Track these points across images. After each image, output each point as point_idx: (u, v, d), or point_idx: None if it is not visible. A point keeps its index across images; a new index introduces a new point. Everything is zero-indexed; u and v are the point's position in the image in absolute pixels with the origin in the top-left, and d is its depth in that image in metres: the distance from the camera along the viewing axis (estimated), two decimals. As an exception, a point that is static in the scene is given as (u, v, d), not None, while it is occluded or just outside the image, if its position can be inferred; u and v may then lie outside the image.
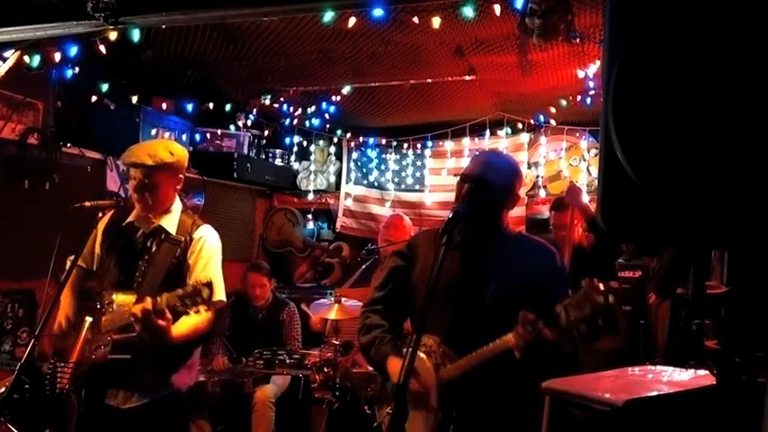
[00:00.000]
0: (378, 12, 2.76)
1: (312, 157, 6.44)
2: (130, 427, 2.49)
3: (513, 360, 1.96)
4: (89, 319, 2.47)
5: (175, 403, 2.56)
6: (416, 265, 2.33)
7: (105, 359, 2.41)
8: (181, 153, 2.63)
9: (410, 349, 1.83)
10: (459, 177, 2.26)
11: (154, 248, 2.57)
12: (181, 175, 2.65)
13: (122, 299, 2.44)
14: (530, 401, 2.22)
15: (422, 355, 2.15)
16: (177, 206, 2.68)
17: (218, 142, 5.51)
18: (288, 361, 4.21)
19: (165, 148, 2.60)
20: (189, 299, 2.29)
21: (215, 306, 2.50)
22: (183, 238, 2.58)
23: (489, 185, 2.18)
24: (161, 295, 2.31)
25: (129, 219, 2.64)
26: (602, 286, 1.80)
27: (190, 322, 2.43)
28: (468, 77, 4.46)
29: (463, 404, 2.10)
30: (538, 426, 2.11)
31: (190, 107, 5.08)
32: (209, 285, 2.30)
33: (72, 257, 2.64)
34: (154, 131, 4.83)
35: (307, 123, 6.03)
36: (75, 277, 2.63)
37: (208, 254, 2.60)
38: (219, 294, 2.52)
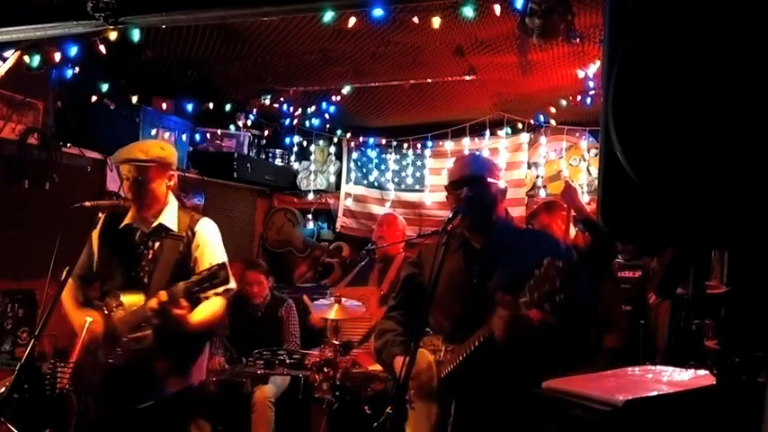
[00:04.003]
0: (378, 12, 2.75)
1: (312, 157, 6.44)
2: (145, 425, 2.50)
3: (500, 345, 1.98)
4: (89, 320, 2.47)
5: (188, 398, 2.59)
6: (425, 270, 2.38)
7: (123, 362, 2.43)
8: (171, 149, 2.69)
9: (411, 348, 1.84)
10: (446, 187, 2.30)
11: (157, 247, 2.59)
12: (172, 172, 2.68)
13: (130, 299, 2.48)
14: (529, 395, 2.22)
15: (426, 353, 2.17)
16: (173, 203, 2.70)
17: (218, 142, 5.51)
18: (288, 361, 4.21)
19: (156, 144, 2.69)
20: (207, 282, 2.33)
21: (228, 293, 2.56)
22: (184, 234, 2.61)
23: (480, 179, 2.23)
24: (178, 284, 2.35)
25: (126, 221, 2.65)
26: (558, 263, 1.83)
27: (206, 309, 2.49)
28: (468, 77, 4.45)
29: (462, 397, 2.12)
30: (537, 423, 2.10)
31: (190, 107, 5.07)
32: (224, 267, 2.34)
33: (67, 269, 2.66)
34: (154, 131, 4.83)
35: (307, 123, 6.02)
36: (76, 288, 2.65)
37: (212, 244, 2.65)
38: (231, 282, 2.53)
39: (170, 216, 2.65)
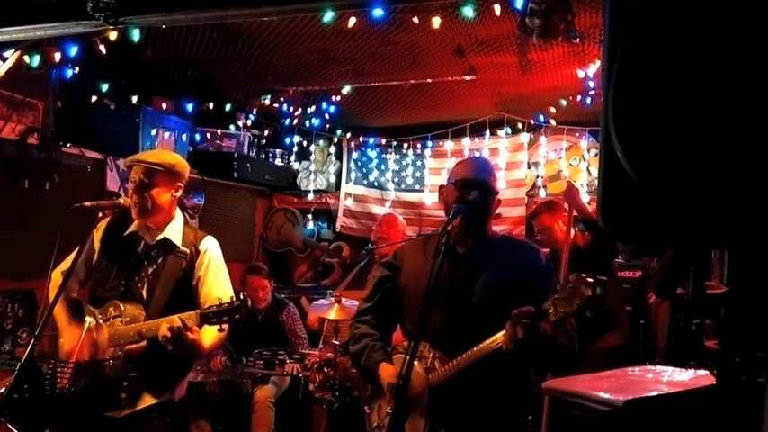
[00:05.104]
0: (378, 12, 2.75)
1: (312, 157, 6.44)
2: None
3: (504, 358, 1.92)
4: (89, 320, 2.47)
5: (167, 411, 2.55)
6: (403, 272, 2.35)
7: (115, 374, 2.41)
8: (182, 161, 2.66)
9: (409, 350, 1.83)
10: (454, 182, 2.26)
11: (160, 261, 2.56)
12: (180, 183, 2.63)
13: (132, 310, 2.46)
14: (523, 407, 2.20)
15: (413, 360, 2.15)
16: (179, 218, 2.68)
17: (218, 142, 5.51)
18: (288, 361, 4.20)
19: (168, 153, 2.69)
20: (226, 314, 2.32)
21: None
22: (188, 251, 2.59)
23: (490, 188, 2.23)
24: (193, 312, 2.34)
25: (131, 228, 2.62)
26: (590, 279, 1.78)
27: (214, 332, 2.45)
28: (468, 77, 4.46)
29: (454, 408, 2.09)
30: (536, 426, 2.10)
31: (190, 107, 5.07)
32: (245, 304, 2.32)
33: (61, 270, 2.65)
34: (154, 131, 4.84)
35: (307, 123, 6.03)
36: (64, 288, 2.55)
37: (216, 265, 2.63)
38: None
39: (175, 231, 2.62)
